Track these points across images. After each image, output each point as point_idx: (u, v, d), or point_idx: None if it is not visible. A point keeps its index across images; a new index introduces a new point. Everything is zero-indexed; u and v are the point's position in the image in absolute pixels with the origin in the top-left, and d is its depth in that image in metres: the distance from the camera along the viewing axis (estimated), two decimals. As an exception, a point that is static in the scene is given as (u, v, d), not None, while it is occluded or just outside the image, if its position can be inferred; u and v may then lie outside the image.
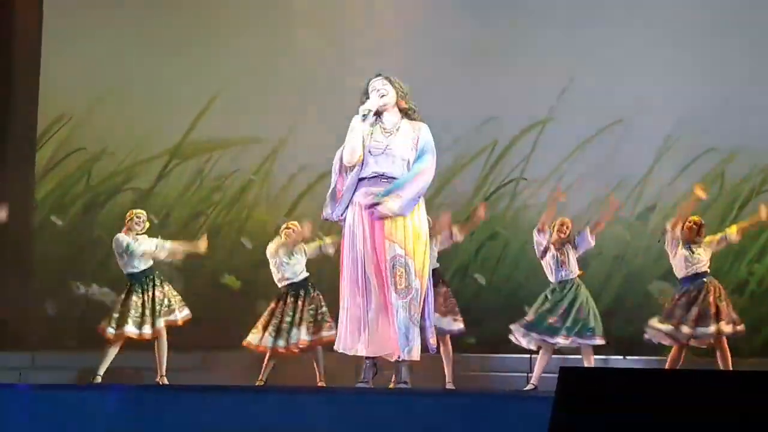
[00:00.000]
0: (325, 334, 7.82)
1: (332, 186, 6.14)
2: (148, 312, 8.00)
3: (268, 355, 7.90)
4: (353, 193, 6.06)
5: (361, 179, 6.05)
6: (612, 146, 9.88)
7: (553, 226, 8.09)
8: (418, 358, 6.08)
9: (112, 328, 7.97)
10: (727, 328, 7.74)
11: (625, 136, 9.88)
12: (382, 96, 6.09)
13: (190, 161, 10.45)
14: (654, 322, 7.89)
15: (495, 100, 9.97)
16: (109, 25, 10.55)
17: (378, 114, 6.11)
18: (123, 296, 8.10)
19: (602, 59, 9.90)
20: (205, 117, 10.39)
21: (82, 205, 10.46)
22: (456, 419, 5.19)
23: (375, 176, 6.03)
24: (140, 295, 8.03)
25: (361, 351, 6.03)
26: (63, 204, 10.48)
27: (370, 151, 6.04)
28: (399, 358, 5.98)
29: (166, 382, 7.97)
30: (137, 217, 8.17)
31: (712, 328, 7.70)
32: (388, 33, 10.22)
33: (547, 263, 8.08)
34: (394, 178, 6.03)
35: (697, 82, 9.80)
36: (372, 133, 6.06)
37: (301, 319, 7.88)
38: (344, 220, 6.09)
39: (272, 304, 8.01)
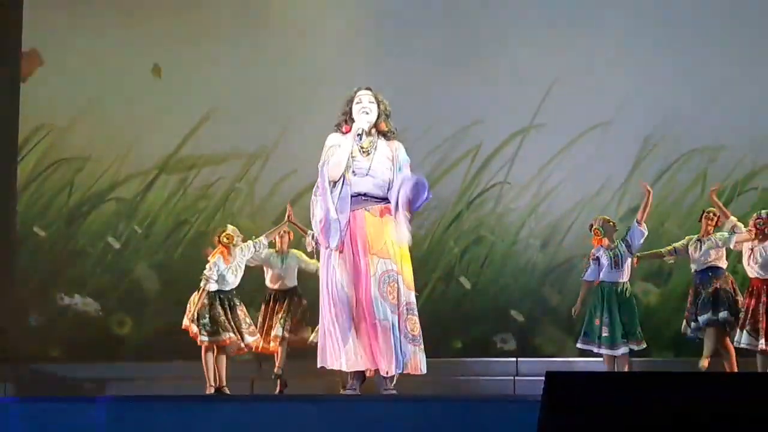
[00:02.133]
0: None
1: (321, 215, 6.08)
2: (232, 325, 7.96)
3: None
4: (348, 213, 6.05)
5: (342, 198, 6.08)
6: (595, 149, 9.90)
7: (598, 230, 8.00)
8: (424, 371, 6.10)
9: (205, 335, 7.91)
10: (723, 315, 7.77)
11: (608, 139, 9.90)
12: (363, 113, 6.12)
13: (175, 173, 10.42)
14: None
15: (478, 105, 9.98)
16: (90, 35, 10.51)
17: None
18: (207, 305, 7.97)
19: (584, 63, 9.91)
20: (190, 129, 10.36)
21: (64, 215, 10.42)
22: (443, 425, 5.20)
23: (356, 195, 6.07)
24: (222, 309, 7.96)
25: (341, 366, 6.06)
26: (45, 215, 10.44)
27: (353, 172, 6.07)
28: (386, 374, 6.00)
29: (227, 392, 8.01)
30: (227, 237, 8.04)
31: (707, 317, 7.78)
32: (371, 38, 10.23)
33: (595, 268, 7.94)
34: (374, 197, 6.08)
35: (678, 83, 9.83)
36: (352, 153, 6.08)
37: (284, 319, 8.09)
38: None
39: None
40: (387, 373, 5.98)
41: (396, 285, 5.96)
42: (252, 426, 5.32)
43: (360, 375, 6.14)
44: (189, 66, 10.38)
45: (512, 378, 8.88)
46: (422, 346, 6.09)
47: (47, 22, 10.61)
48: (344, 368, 6.07)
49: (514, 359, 9.28)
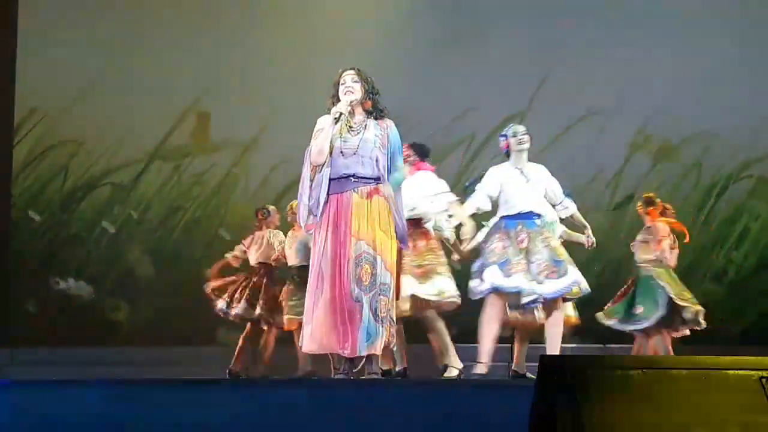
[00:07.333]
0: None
1: (304, 195, 6.09)
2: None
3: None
4: (326, 194, 6.04)
5: (330, 180, 6.05)
6: (590, 137, 9.92)
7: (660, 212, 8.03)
8: (380, 353, 6.09)
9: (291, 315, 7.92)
10: None
11: (603, 127, 9.92)
12: (348, 93, 6.09)
13: (169, 158, 10.43)
14: None
15: (472, 93, 9.99)
16: (86, 21, 10.51)
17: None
18: (288, 287, 8.03)
19: (578, 50, 9.93)
20: (184, 114, 10.37)
21: (59, 200, 10.43)
22: (437, 408, 5.21)
23: (345, 177, 6.04)
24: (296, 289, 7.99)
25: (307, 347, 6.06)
26: (40, 199, 10.44)
27: (341, 152, 6.04)
28: (352, 354, 5.98)
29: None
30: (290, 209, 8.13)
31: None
32: (364, 25, 10.22)
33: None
34: (364, 177, 6.05)
35: (673, 72, 9.85)
36: (341, 133, 6.06)
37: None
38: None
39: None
40: (350, 354, 5.97)
41: (372, 267, 5.94)
42: (247, 409, 5.33)
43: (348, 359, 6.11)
44: (183, 52, 10.37)
45: (507, 364, 8.88)
46: (388, 325, 6.06)
47: (42, 8, 10.60)
48: (304, 348, 6.09)
49: (509, 345, 9.29)
